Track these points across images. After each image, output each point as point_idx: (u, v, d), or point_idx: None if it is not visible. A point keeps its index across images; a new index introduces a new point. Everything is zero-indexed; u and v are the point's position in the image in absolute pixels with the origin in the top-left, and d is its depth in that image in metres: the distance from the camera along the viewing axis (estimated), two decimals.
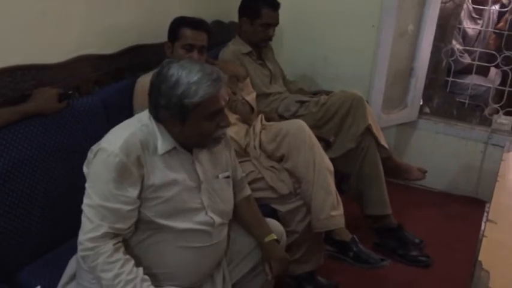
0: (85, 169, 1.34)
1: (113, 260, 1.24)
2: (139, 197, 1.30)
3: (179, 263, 1.38)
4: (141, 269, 1.28)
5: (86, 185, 1.30)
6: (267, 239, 1.56)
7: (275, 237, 1.58)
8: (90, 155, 1.33)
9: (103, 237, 1.24)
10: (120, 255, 1.26)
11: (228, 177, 1.53)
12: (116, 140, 1.28)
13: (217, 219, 1.42)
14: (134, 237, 1.34)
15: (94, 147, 1.32)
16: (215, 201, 1.44)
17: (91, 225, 1.25)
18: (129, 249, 1.33)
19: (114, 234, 1.27)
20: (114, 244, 1.25)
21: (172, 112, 1.29)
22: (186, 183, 1.37)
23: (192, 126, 1.31)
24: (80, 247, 1.28)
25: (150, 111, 1.36)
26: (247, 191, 1.69)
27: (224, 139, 1.54)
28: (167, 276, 1.38)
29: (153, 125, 1.35)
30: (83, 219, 1.27)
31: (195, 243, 1.39)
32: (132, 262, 1.28)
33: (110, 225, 1.25)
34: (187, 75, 1.27)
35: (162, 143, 1.33)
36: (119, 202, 1.26)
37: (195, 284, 1.44)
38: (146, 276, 1.28)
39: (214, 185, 1.46)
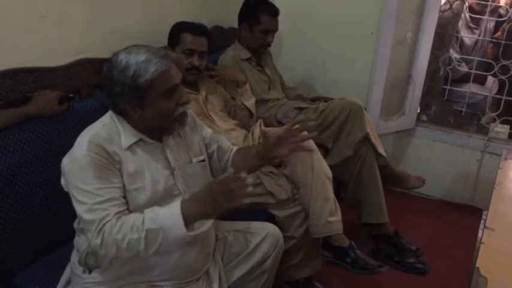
0: (62, 181, 1.34)
1: (118, 227, 1.21)
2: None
3: (166, 257, 1.37)
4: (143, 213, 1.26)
5: (73, 195, 1.28)
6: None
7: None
8: (62, 167, 1.32)
9: (104, 224, 1.23)
10: (122, 218, 1.23)
11: (202, 161, 1.54)
12: (81, 145, 1.30)
13: None
14: None
15: (64, 160, 1.31)
16: (190, 186, 1.45)
17: (94, 225, 1.23)
18: None
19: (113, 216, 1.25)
20: (115, 218, 1.24)
21: (129, 97, 1.30)
22: (160, 172, 1.38)
23: (150, 107, 1.32)
24: (94, 250, 1.29)
25: (109, 106, 1.37)
26: (235, 148, 1.68)
27: (194, 123, 1.56)
28: (158, 271, 1.38)
29: (115, 122, 1.36)
30: (86, 226, 1.26)
31: None
32: (133, 214, 1.26)
33: (114, 211, 1.24)
34: (136, 57, 1.29)
35: (125, 137, 1.35)
36: (111, 193, 1.26)
37: (189, 278, 1.44)
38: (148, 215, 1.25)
39: (188, 170, 1.47)
